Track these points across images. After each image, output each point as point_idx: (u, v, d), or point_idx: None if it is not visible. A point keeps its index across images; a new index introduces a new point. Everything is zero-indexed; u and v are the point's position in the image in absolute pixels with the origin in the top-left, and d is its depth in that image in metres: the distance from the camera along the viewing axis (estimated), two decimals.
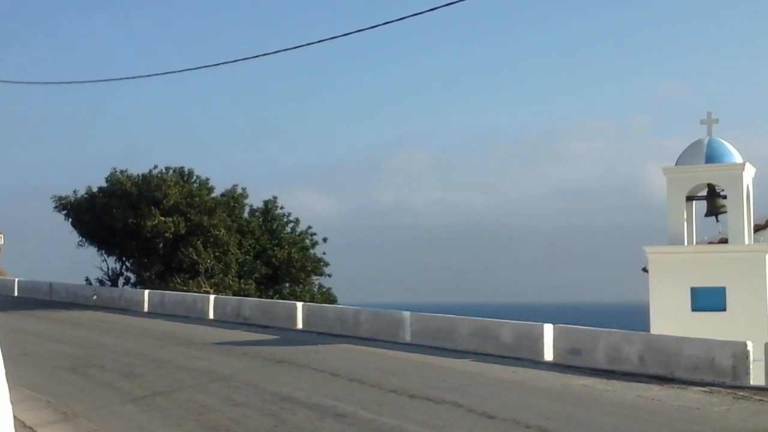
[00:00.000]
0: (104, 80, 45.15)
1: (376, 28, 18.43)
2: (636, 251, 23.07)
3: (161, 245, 38.12)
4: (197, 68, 34.67)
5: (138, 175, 39.81)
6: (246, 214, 41.61)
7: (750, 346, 15.86)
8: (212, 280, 37.20)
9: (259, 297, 35.16)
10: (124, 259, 41.17)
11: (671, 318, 21.25)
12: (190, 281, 36.82)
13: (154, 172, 39.86)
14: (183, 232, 37.65)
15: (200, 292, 33.84)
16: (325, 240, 41.76)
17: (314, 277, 41.16)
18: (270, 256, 39.64)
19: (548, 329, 19.20)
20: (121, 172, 40.01)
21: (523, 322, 20.29)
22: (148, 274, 39.11)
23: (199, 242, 37.62)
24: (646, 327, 21.79)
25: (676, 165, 22.57)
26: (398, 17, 17.92)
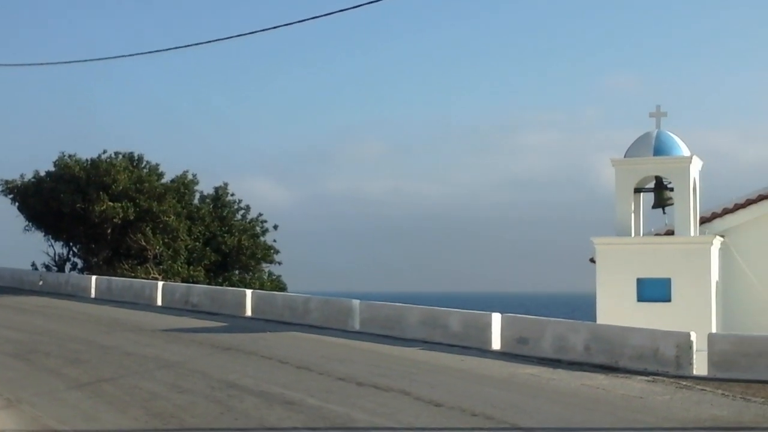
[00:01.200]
0: (40, 64, 44.45)
1: (329, 16, 18.40)
2: (585, 242, 23.29)
3: (109, 231, 37.78)
4: (140, 54, 34.27)
5: (87, 160, 39.39)
6: (196, 201, 41.37)
7: (693, 337, 16.11)
8: (161, 267, 36.94)
9: (209, 284, 35.00)
10: (71, 244, 40.77)
11: (617, 308, 21.49)
12: (139, 267, 36.53)
13: (104, 156, 39.47)
14: (132, 217, 37.34)
15: (148, 279, 33.59)
16: (275, 227, 41.69)
17: (264, 265, 41.06)
18: (220, 243, 39.45)
19: (496, 318, 19.34)
20: (70, 156, 39.58)
21: (471, 311, 20.40)
22: (96, 259, 38.75)
23: (148, 228, 37.33)
24: (592, 317, 22.02)
25: (624, 157, 22.79)
26: (352, 5, 17.92)
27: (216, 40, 22.29)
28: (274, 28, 20.84)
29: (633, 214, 22.76)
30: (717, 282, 22.04)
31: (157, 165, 40.62)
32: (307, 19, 19.60)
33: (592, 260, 23.03)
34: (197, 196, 41.57)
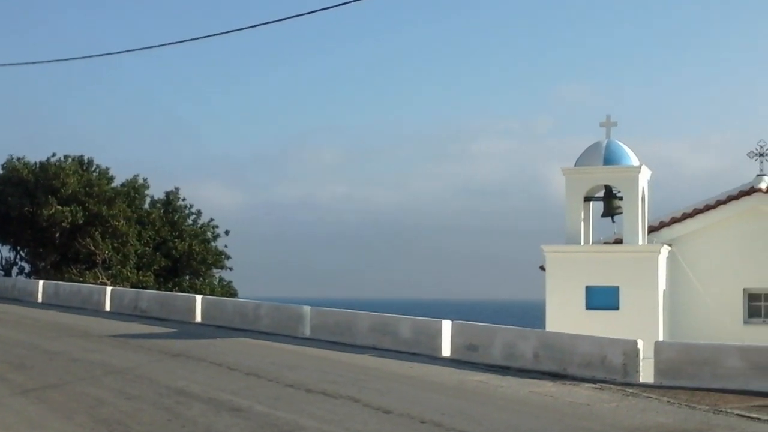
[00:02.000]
0: None
1: (283, 22, 18.40)
2: (535, 250, 23.47)
3: (58, 235, 37.36)
4: (95, 56, 33.91)
5: (35, 163, 38.93)
6: (147, 205, 41.07)
7: (640, 345, 16.28)
8: (110, 272, 36.60)
9: (158, 289, 34.72)
10: (18, 248, 40.24)
11: (566, 316, 21.67)
12: (87, 272, 36.18)
13: (53, 159, 39.04)
14: (81, 222, 36.96)
15: (97, 284, 33.23)
16: (227, 233, 41.55)
17: (215, 270, 40.86)
18: (170, 248, 39.18)
19: (446, 325, 19.39)
20: (18, 159, 39.09)
21: (421, 318, 20.46)
22: (44, 264, 38.30)
23: (97, 233, 36.97)
24: (542, 324, 22.17)
25: (575, 166, 23.01)
26: (307, 11, 17.93)
27: (168, 44, 22.16)
28: (228, 32, 20.80)
29: (583, 223, 22.98)
30: (664, 290, 22.33)
31: (108, 169, 40.30)
32: (260, 24, 19.60)
33: (542, 268, 23.21)
34: (148, 200, 41.29)
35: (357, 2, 16.45)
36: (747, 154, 24.41)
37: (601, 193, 23.33)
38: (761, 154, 24.14)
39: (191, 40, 22.66)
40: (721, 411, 13.20)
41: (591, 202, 23.57)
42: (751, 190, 23.51)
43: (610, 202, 23.07)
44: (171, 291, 34.60)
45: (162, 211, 40.91)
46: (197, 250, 39.41)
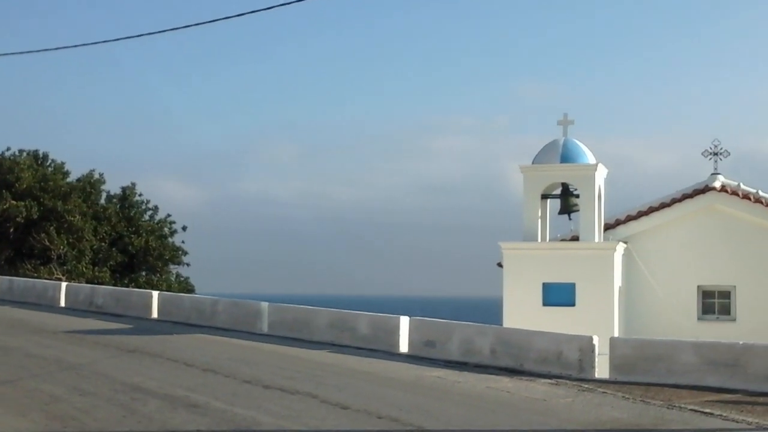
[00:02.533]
0: None
1: (241, 18, 18.30)
2: (493, 247, 23.58)
3: (12, 230, 36.92)
4: (57, 49, 33.66)
5: None
6: (103, 201, 40.71)
7: (596, 341, 16.43)
8: (65, 267, 36.23)
9: (114, 285, 34.44)
10: None
11: (523, 312, 21.80)
12: (42, 268, 35.79)
13: (7, 154, 38.60)
14: (35, 217, 36.57)
15: (52, 279, 32.88)
16: (184, 229, 41.32)
17: (172, 266, 40.62)
18: (127, 244, 38.88)
19: (404, 321, 19.44)
20: None
21: (379, 314, 20.48)
22: None
23: (52, 228, 36.59)
24: (500, 321, 22.29)
25: (532, 164, 23.14)
26: (265, 6, 17.86)
27: (124, 38, 21.97)
28: (186, 27, 20.64)
29: (540, 220, 23.14)
30: (620, 287, 22.54)
31: (63, 163, 39.89)
32: (220, 19, 19.47)
33: (500, 265, 23.32)
34: (104, 195, 40.97)
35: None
36: (702, 153, 24.74)
37: (558, 191, 23.49)
38: (716, 153, 24.46)
39: (138, 36, 22.45)
40: (675, 406, 13.37)
41: (548, 200, 23.73)
42: (706, 189, 23.80)
43: (567, 199, 23.23)
44: (127, 287, 34.33)
45: (118, 206, 40.59)
46: (154, 245, 39.15)
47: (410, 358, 18.51)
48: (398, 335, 19.31)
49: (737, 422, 12.27)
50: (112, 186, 41.60)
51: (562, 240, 23.97)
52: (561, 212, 23.56)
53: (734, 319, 23.16)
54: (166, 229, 40.53)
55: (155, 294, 26.20)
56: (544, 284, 22.14)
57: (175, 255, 40.16)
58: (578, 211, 22.85)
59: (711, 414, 12.77)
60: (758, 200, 23.42)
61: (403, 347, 19.21)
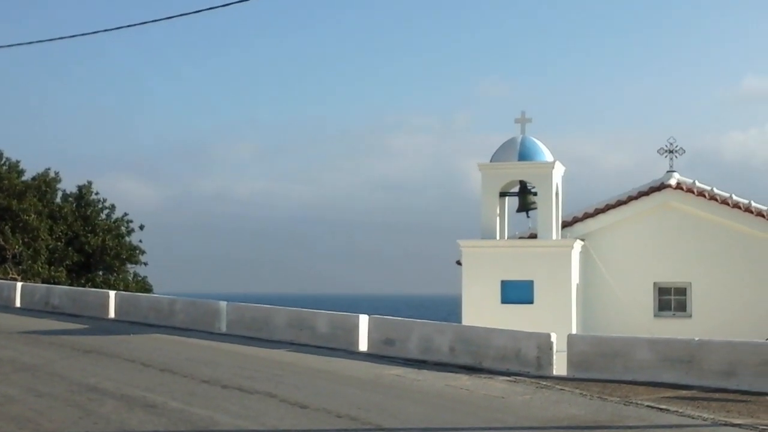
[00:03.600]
0: None
1: (199, 15, 18.18)
2: (452, 245, 23.65)
3: None
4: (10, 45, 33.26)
5: None
6: (59, 199, 40.26)
7: (554, 338, 16.54)
8: (20, 267, 35.78)
9: (71, 285, 34.07)
10: None
11: (482, 310, 21.89)
12: None
13: None
14: None
15: (7, 279, 32.46)
16: (141, 227, 40.97)
17: (129, 266, 40.27)
18: (83, 243, 38.49)
19: (363, 320, 19.43)
20: None
21: (338, 312, 20.47)
22: None
23: (6, 227, 36.12)
24: (459, 318, 22.36)
25: (490, 162, 23.22)
26: (224, 3, 17.77)
27: (87, 34, 21.75)
28: (143, 23, 20.48)
29: (498, 218, 23.24)
30: (578, 284, 22.71)
31: (17, 162, 39.38)
32: (176, 16, 19.33)
33: (459, 263, 23.40)
34: (60, 194, 40.50)
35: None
36: (657, 151, 24.96)
37: (516, 189, 23.61)
38: (671, 151, 24.70)
39: (93, 33, 22.22)
40: (631, 403, 13.49)
41: (506, 198, 23.84)
42: (662, 186, 24.04)
43: (525, 197, 23.36)
44: (84, 287, 33.97)
45: (74, 205, 40.16)
46: (111, 245, 38.79)
47: (369, 356, 18.51)
48: (357, 334, 19.31)
49: (693, 418, 12.41)
50: (68, 185, 41.29)
51: (521, 238, 24.10)
52: (519, 210, 23.69)
53: (690, 316, 23.41)
54: (123, 228, 40.19)
55: (112, 294, 25.95)
56: (502, 282, 22.24)
57: (133, 254, 39.84)
58: (536, 208, 22.97)
59: (667, 410, 12.91)
60: (713, 197, 23.69)
61: (363, 346, 19.20)
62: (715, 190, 23.85)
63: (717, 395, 14.20)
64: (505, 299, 22.16)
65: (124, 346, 19.07)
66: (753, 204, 23.52)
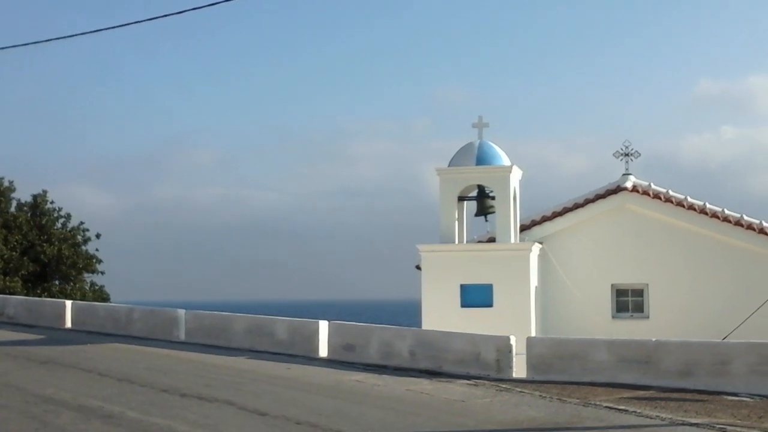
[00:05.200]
0: None
1: (162, 19, 18.08)
2: (412, 249, 23.66)
3: None
4: None
5: None
6: (13, 209, 39.71)
7: (513, 341, 16.60)
8: None
9: (26, 295, 33.61)
10: None
11: (442, 314, 21.90)
12: None
13: None
14: None
15: None
16: (98, 236, 40.53)
17: (86, 275, 39.82)
18: (39, 253, 37.99)
19: (323, 326, 19.39)
20: None
21: (298, 318, 20.40)
22: None
23: None
24: (419, 323, 22.37)
25: (448, 166, 23.28)
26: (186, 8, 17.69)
27: (54, 39, 21.53)
28: (98, 31, 20.30)
29: (457, 222, 23.28)
30: (536, 287, 22.82)
31: None
32: (131, 24, 19.19)
33: (418, 267, 23.42)
34: (14, 203, 39.92)
35: (227, 2, 16.26)
36: (613, 154, 25.15)
37: (474, 193, 23.66)
38: (626, 154, 24.91)
39: (52, 40, 22.04)
40: (590, 404, 13.58)
41: (465, 202, 23.89)
42: (618, 189, 24.23)
43: (483, 201, 23.42)
44: (40, 297, 33.54)
45: (29, 214, 39.63)
46: (67, 254, 38.33)
47: (330, 362, 18.48)
48: (317, 340, 19.26)
49: (651, 418, 12.51)
50: (23, 194, 40.55)
51: (479, 242, 24.16)
52: (477, 214, 23.75)
53: (647, 317, 23.60)
54: (79, 237, 39.70)
55: (68, 303, 25.67)
56: (461, 286, 22.28)
57: (89, 263, 39.40)
58: (494, 212, 23.03)
59: (625, 411, 13.01)
60: (668, 199, 23.93)
61: (323, 352, 19.16)
62: (671, 193, 24.09)
63: (674, 395, 14.34)
64: (465, 303, 22.20)
65: (81, 356, 18.88)
66: (708, 206, 23.79)
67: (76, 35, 20.42)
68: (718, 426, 11.84)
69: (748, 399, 14.07)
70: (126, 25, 19.25)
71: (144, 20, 18.35)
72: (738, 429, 11.63)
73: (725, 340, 17.74)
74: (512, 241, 22.75)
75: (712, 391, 14.61)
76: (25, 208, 39.96)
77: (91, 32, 19.84)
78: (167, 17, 17.61)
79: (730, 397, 14.19)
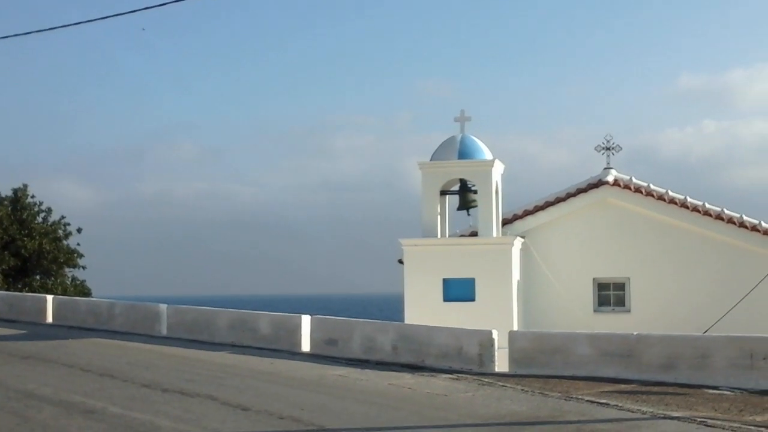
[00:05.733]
0: None
1: (136, 13, 17.98)
2: (394, 243, 23.67)
3: None
4: None
5: None
6: None
7: (495, 335, 16.64)
8: None
9: (7, 290, 33.44)
10: None
11: (424, 308, 21.94)
12: None
13: None
14: None
15: None
16: (79, 231, 40.34)
17: (67, 270, 39.64)
18: (19, 247, 37.78)
19: (306, 320, 19.38)
20: None
21: (280, 313, 20.39)
22: None
23: None
24: (401, 317, 22.38)
25: (431, 160, 23.28)
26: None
27: (14, 36, 21.38)
28: (77, 24, 20.18)
29: (439, 216, 23.30)
30: (518, 281, 22.87)
31: None
32: (99, 19, 19.10)
33: (401, 261, 23.43)
34: None
35: None
36: (595, 148, 25.22)
37: (456, 187, 23.69)
38: (608, 148, 24.98)
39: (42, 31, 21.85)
40: (572, 398, 13.62)
41: (447, 196, 23.92)
42: (599, 183, 24.31)
43: (466, 195, 23.45)
44: (21, 291, 33.37)
45: (10, 208, 39.41)
46: (48, 248, 38.14)
47: (312, 357, 18.47)
48: (300, 334, 19.25)
49: (632, 412, 12.56)
50: (3, 188, 40.32)
51: (462, 236, 24.18)
52: (460, 208, 23.78)
53: (629, 311, 23.70)
54: (60, 232, 39.50)
55: (50, 298, 25.56)
56: (444, 280, 22.32)
57: (71, 258, 39.21)
58: (476, 206, 23.07)
59: (607, 404, 13.05)
60: (649, 193, 24.01)
61: (305, 346, 19.15)
62: (652, 187, 24.18)
63: (656, 389, 14.41)
64: (447, 297, 22.24)
65: (62, 351, 18.80)
66: (689, 199, 23.89)
67: (64, 26, 20.20)
68: (698, 419, 11.90)
69: (728, 392, 14.15)
70: (117, 15, 19.13)
71: (132, 11, 18.24)
72: (718, 422, 11.69)
73: (706, 334, 17.85)
74: (494, 235, 22.79)
75: (693, 385, 14.69)
76: (6, 203, 39.73)
77: (76, 24, 19.70)
78: (159, 10, 17.49)
79: (710, 391, 14.27)
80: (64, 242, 39.63)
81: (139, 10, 17.47)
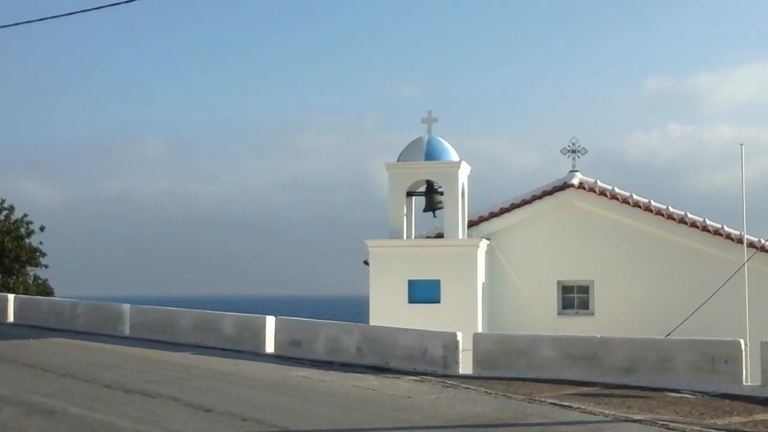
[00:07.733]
0: None
1: (108, 8, 17.83)
2: (360, 244, 23.63)
3: None
4: None
5: None
6: None
7: (460, 337, 16.66)
8: None
9: None
10: None
11: (389, 310, 21.92)
12: None
13: None
14: None
15: None
16: (42, 229, 39.94)
17: (30, 268, 39.23)
18: None
19: (270, 321, 19.30)
20: None
21: (244, 314, 20.29)
22: None
23: None
24: (367, 319, 22.35)
25: (398, 161, 23.27)
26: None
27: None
28: (42, 20, 19.97)
29: (405, 217, 23.28)
30: (483, 283, 22.90)
31: None
32: (77, 12, 18.91)
33: (366, 263, 23.40)
34: None
35: None
36: (561, 151, 25.32)
37: (423, 188, 23.68)
38: (573, 151, 25.08)
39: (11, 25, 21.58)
40: (535, 400, 13.66)
41: (414, 197, 23.91)
42: (565, 186, 24.40)
43: (432, 197, 23.45)
44: None
45: None
46: (10, 247, 37.74)
47: (276, 358, 18.40)
48: (264, 335, 19.18)
49: (595, 414, 12.61)
50: None
51: (428, 237, 24.18)
52: (426, 209, 23.77)
53: (593, 314, 23.81)
54: (22, 230, 39.08)
55: (11, 297, 25.31)
56: (409, 281, 22.30)
57: (33, 256, 38.82)
58: (443, 208, 23.08)
59: (570, 407, 13.10)
60: (614, 197, 24.14)
61: (269, 347, 19.08)
62: (617, 190, 24.30)
63: (618, 391, 14.48)
64: (412, 299, 22.23)
65: (23, 351, 18.61)
66: (653, 203, 24.04)
67: (21, 23, 19.97)
68: (660, 422, 11.97)
69: (689, 396, 14.25)
70: (71, 13, 18.93)
71: (122, 2, 18.04)
72: (680, 426, 11.76)
73: (668, 338, 17.96)
74: (460, 236, 22.82)
75: (655, 388, 14.78)
76: None
77: (36, 21, 19.49)
78: (119, 8, 17.34)
79: (672, 394, 14.36)
80: (27, 240, 39.22)
81: (104, 6, 17.30)
